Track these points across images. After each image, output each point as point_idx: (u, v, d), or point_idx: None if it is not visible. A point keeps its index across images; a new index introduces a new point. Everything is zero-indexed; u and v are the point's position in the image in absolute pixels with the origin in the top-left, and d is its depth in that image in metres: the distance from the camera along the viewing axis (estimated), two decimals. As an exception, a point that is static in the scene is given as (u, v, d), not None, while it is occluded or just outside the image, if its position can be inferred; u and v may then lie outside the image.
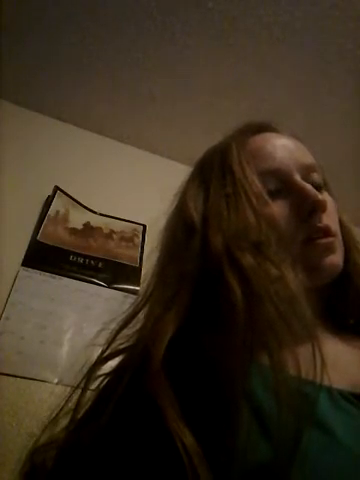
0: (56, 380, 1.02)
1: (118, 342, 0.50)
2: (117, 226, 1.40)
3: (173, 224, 0.57)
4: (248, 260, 0.44)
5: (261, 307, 0.40)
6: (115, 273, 1.28)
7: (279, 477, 0.33)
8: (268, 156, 0.54)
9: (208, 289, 0.46)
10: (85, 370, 0.49)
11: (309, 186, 0.51)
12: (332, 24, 1.21)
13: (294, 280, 0.43)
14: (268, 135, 0.58)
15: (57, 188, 1.36)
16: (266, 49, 1.29)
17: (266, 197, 0.50)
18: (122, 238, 1.39)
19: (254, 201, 0.49)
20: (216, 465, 0.35)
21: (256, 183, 0.51)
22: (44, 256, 1.22)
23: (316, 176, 0.55)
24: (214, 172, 0.56)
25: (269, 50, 1.29)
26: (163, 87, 1.43)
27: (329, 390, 0.40)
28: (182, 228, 0.53)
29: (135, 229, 1.42)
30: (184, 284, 0.47)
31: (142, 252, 1.37)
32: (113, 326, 0.51)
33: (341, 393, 0.40)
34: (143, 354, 0.43)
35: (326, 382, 0.39)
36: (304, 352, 0.39)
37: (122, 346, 0.50)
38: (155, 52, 1.32)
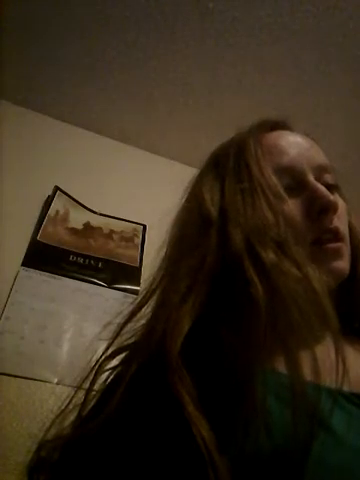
0: (56, 380, 1.02)
1: (124, 336, 0.50)
2: (117, 226, 1.40)
3: (186, 216, 0.57)
4: (270, 257, 0.43)
5: (284, 306, 0.40)
6: (115, 273, 1.28)
7: (284, 475, 0.33)
8: (283, 153, 0.54)
9: (226, 283, 0.45)
10: (89, 367, 0.49)
11: (322, 186, 0.51)
12: (332, 24, 1.21)
13: (319, 281, 0.42)
14: (283, 132, 0.58)
15: (57, 188, 1.36)
16: (266, 49, 1.29)
17: (283, 194, 0.50)
18: (122, 238, 1.39)
19: (271, 197, 0.49)
20: (229, 456, 0.35)
21: (272, 179, 0.51)
22: (44, 256, 1.22)
23: (329, 177, 0.55)
24: (230, 166, 0.55)
25: (269, 50, 1.29)
26: (163, 87, 1.43)
27: (331, 391, 0.40)
28: (197, 220, 0.53)
29: (135, 229, 1.42)
30: (201, 277, 0.46)
31: (142, 252, 1.37)
32: (118, 321, 0.51)
33: (343, 394, 0.40)
34: (159, 345, 0.42)
35: (326, 383, 0.39)
36: (323, 356, 0.38)
37: (128, 341, 0.49)
38: (155, 52, 1.32)
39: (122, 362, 0.48)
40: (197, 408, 0.37)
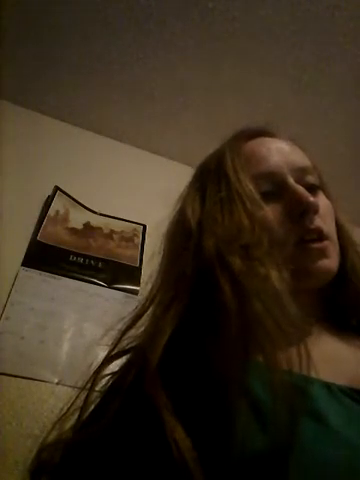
0: (56, 380, 1.02)
1: (125, 342, 0.51)
2: (117, 226, 1.41)
3: (173, 228, 0.59)
4: (237, 263, 0.45)
5: (249, 304, 0.42)
6: (115, 273, 1.28)
7: (277, 467, 0.34)
8: (262, 160, 0.55)
9: (203, 291, 0.47)
10: (90, 370, 0.50)
11: (301, 188, 0.51)
12: (332, 24, 1.21)
13: (278, 278, 0.44)
14: (263, 139, 0.59)
15: (57, 188, 1.36)
16: (266, 49, 1.29)
17: (259, 200, 0.51)
18: (122, 238, 1.39)
19: (248, 204, 0.50)
20: (213, 457, 0.35)
21: (249, 187, 0.52)
22: (44, 256, 1.22)
23: (310, 178, 0.55)
24: (210, 178, 0.57)
25: (269, 50, 1.29)
26: (163, 87, 1.43)
27: (328, 385, 0.41)
28: (180, 232, 0.55)
29: (135, 229, 1.42)
30: (181, 287, 0.49)
31: (142, 252, 1.37)
32: (118, 327, 0.52)
33: (340, 388, 0.41)
34: (142, 355, 0.44)
35: (322, 377, 0.40)
36: (294, 348, 0.40)
37: (128, 346, 0.51)
38: (155, 52, 1.32)
39: (120, 369, 0.50)
40: (172, 416, 0.38)
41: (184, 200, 0.59)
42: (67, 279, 1.20)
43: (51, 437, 0.48)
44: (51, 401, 0.98)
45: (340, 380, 0.42)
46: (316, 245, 0.49)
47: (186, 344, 0.44)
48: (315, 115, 1.48)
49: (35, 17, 1.25)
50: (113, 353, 0.51)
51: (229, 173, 0.54)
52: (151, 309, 0.52)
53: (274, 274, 0.44)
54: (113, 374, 0.50)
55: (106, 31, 1.27)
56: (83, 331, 1.12)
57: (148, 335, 0.47)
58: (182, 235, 0.54)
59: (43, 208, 1.31)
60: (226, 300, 0.42)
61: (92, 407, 0.48)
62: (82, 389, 0.49)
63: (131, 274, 1.30)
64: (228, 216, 0.50)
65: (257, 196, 0.51)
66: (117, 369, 0.50)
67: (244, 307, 0.42)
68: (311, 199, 0.50)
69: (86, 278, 1.23)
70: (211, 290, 0.45)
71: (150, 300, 0.53)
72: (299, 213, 0.50)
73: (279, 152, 0.56)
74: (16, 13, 1.23)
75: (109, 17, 1.23)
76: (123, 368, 0.49)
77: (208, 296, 0.46)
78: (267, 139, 0.59)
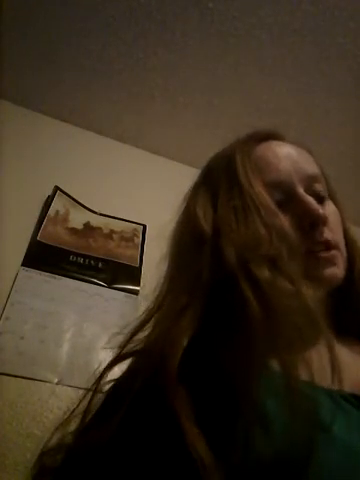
0: (56, 380, 1.02)
1: (129, 346, 0.50)
2: (117, 226, 1.40)
3: (182, 232, 0.58)
4: (264, 274, 0.44)
5: (279, 323, 0.41)
6: (115, 273, 1.28)
7: (289, 477, 0.34)
8: (272, 167, 0.55)
9: (222, 300, 0.46)
10: (90, 371, 0.50)
11: (311, 199, 0.51)
12: (332, 24, 1.21)
13: (310, 295, 0.43)
14: (272, 144, 0.59)
15: (57, 188, 1.36)
16: (266, 49, 1.29)
17: (275, 208, 0.51)
18: (122, 238, 1.39)
19: (263, 213, 0.50)
20: (225, 469, 0.35)
21: (263, 195, 0.51)
22: (44, 256, 1.22)
23: (319, 186, 0.55)
24: (221, 182, 0.56)
25: (269, 50, 1.29)
26: (163, 87, 1.43)
27: (330, 392, 0.40)
28: (192, 237, 0.54)
29: (135, 229, 1.42)
30: (197, 294, 0.47)
31: (142, 252, 1.37)
32: (125, 331, 0.52)
33: (342, 395, 0.41)
34: (157, 363, 0.43)
35: (324, 384, 0.39)
36: (318, 361, 0.39)
37: (132, 349, 0.50)
38: (155, 52, 1.32)
39: (125, 374, 0.49)
40: (194, 425, 0.37)
41: (192, 202, 0.58)
42: (67, 279, 1.20)
43: (53, 440, 0.47)
44: (51, 401, 0.98)
45: (343, 387, 0.41)
46: (324, 254, 0.50)
47: (202, 353, 0.44)
48: (315, 115, 1.47)
49: (35, 17, 1.25)
50: (118, 356, 0.50)
51: (241, 180, 0.53)
52: (160, 314, 0.51)
53: (305, 291, 0.43)
54: (116, 380, 0.49)
55: (106, 31, 1.27)
56: (83, 331, 1.12)
57: (163, 343, 0.45)
58: (193, 239, 0.53)
59: (43, 208, 1.31)
60: (251, 312, 0.41)
61: (94, 411, 0.47)
62: (87, 391, 0.49)
63: (131, 274, 1.30)
64: (243, 225, 0.49)
65: (272, 204, 0.51)
66: (120, 375, 0.49)
67: (272, 322, 0.41)
68: (320, 212, 0.50)
69: (86, 278, 1.23)
70: (231, 299, 0.44)
71: (158, 305, 0.52)
72: (308, 224, 0.50)
73: (288, 158, 0.56)
74: (16, 13, 1.23)
75: (109, 17, 1.23)
76: (128, 373, 0.48)
77: (226, 304, 0.45)
78: (276, 143, 0.59)
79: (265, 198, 0.51)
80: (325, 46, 1.27)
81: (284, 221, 0.50)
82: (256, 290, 0.43)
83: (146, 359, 0.47)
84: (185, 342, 0.43)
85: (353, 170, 1.64)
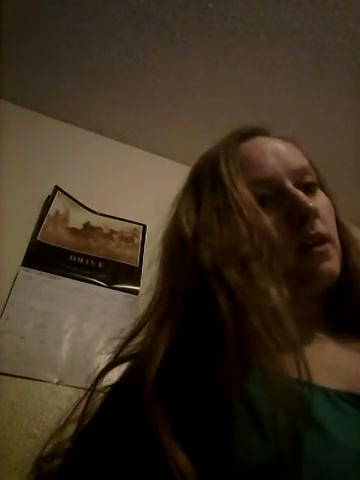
0: (56, 380, 1.02)
1: (126, 350, 0.50)
2: (117, 226, 1.40)
3: (168, 237, 0.57)
4: (234, 276, 0.44)
5: (247, 320, 0.41)
6: (115, 273, 1.28)
7: (281, 477, 0.33)
8: (258, 164, 0.54)
9: (199, 306, 0.46)
10: (89, 371, 0.50)
11: (300, 193, 0.50)
12: (332, 24, 1.21)
13: (277, 294, 0.43)
14: (258, 140, 0.58)
15: (57, 188, 1.36)
16: (266, 49, 1.28)
17: (258, 208, 0.50)
18: (122, 238, 1.39)
19: (246, 213, 0.49)
20: (214, 472, 0.35)
21: (247, 195, 0.50)
22: (44, 256, 1.22)
23: (309, 178, 0.54)
24: (205, 183, 0.55)
25: (269, 50, 1.29)
26: (163, 87, 1.43)
27: (326, 391, 0.40)
28: (175, 242, 0.53)
29: (135, 229, 1.42)
30: (176, 300, 0.47)
31: (142, 252, 1.37)
32: (121, 335, 0.52)
33: (338, 394, 0.40)
34: (138, 373, 0.43)
35: (320, 382, 0.39)
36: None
37: (129, 354, 0.50)
38: (155, 52, 1.32)
39: (117, 383, 0.49)
40: (172, 437, 0.37)
41: (178, 206, 0.57)
42: (67, 279, 1.20)
43: (50, 446, 0.47)
44: (51, 401, 0.98)
45: (339, 385, 0.41)
46: (317, 248, 0.49)
47: (182, 360, 0.43)
48: (315, 115, 1.47)
49: (35, 17, 1.25)
50: (113, 362, 0.50)
51: (224, 179, 0.52)
52: (150, 321, 0.51)
53: (273, 290, 0.43)
54: (110, 387, 0.49)
55: (106, 31, 1.27)
56: (83, 331, 1.12)
57: (144, 352, 0.45)
58: (177, 245, 0.52)
59: (43, 208, 1.31)
60: (222, 315, 0.41)
61: (90, 418, 0.47)
62: (82, 398, 0.49)
63: (131, 274, 1.30)
64: (225, 225, 0.49)
65: (255, 203, 0.50)
66: (114, 383, 0.49)
67: (241, 323, 0.41)
68: (310, 205, 0.49)
69: (86, 278, 1.23)
70: (207, 305, 0.44)
71: (150, 312, 0.51)
72: (299, 219, 0.49)
73: (274, 154, 0.54)
74: (16, 13, 1.23)
75: (109, 17, 1.23)
76: (120, 380, 0.48)
77: (204, 311, 0.44)
78: (261, 139, 0.58)
79: (247, 198, 0.50)
80: (325, 46, 1.27)
81: (267, 220, 0.49)
82: (226, 292, 0.43)
83: (132, 370, 0.47)
84: (161, 353, 0.43)
85: (353, 170, 1.64)
